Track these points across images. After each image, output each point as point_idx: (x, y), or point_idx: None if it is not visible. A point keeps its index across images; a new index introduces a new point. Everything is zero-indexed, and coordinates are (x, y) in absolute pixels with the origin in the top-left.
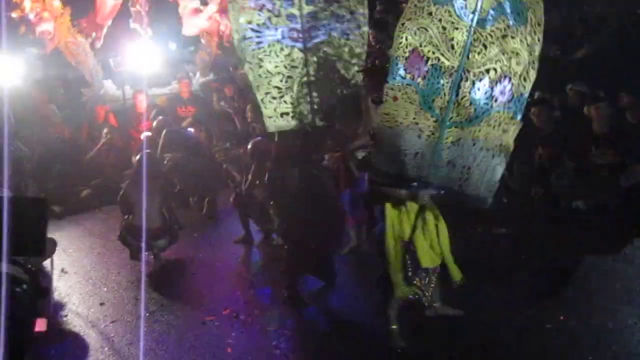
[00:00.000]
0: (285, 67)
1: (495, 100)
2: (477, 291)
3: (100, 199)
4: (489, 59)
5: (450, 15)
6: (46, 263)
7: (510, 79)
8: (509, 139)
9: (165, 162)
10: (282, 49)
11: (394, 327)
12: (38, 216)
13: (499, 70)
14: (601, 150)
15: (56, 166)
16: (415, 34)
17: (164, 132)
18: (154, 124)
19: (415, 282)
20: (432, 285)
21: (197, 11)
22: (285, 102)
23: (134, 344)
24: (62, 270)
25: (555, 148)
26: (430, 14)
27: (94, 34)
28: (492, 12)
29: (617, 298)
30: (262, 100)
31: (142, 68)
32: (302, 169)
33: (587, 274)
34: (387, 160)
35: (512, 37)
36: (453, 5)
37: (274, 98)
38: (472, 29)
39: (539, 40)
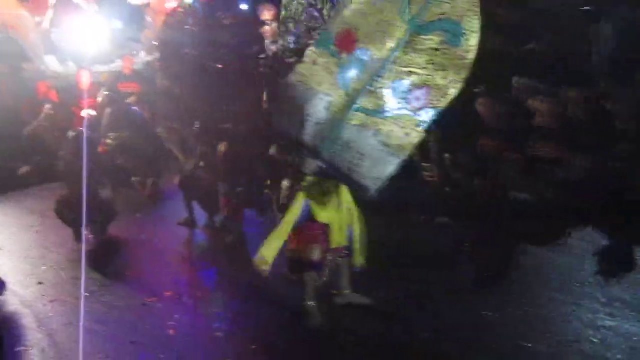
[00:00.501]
0: None
1: (408, 104)
2: (418, 279)
3: (40, 177)
4: (415, 64)
5: (392, 11)
6: None
7: (430, 89)
8: (409, 144)
9: (109, 140)
10: None
11: (310, 303)
12: None
13: (422, 77)
14: (543, 143)
15: None
16: (353, 15)
17: (108, 110)
18: (99, 99)
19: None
20: (340, 268)
21: None
22: None
23: (73, 324)
24: None
25: (498, 140)
26: (374, 3)
27: (39, 8)
28: (431, 23)
29: (555, 287)
30: None
31: (86, 44)
32: None
33: (526, 264)
34: (288, 119)
35: (444, 53)
36: (400, 4)
37: None
38: (409, 31)
39: (467, 65)
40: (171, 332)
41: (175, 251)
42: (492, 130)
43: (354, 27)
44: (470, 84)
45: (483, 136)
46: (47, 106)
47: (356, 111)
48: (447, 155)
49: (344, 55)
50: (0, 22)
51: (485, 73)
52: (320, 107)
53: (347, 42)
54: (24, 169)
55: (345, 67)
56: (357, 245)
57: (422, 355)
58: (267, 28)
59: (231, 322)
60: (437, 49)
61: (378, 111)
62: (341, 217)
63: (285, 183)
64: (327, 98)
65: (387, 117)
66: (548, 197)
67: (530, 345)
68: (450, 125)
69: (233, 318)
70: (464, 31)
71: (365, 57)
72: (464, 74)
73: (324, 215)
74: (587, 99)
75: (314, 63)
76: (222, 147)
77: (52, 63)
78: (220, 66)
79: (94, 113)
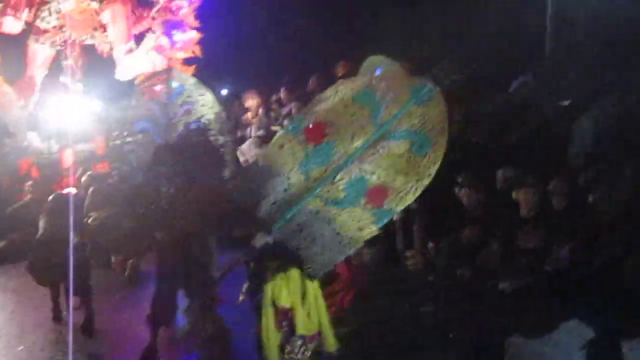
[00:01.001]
0: None
1: (366, 201)
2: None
3: (16, 254)
4: (377, 165)
5: (363, 114)
6: None
7: (387, 191)
8: (361, 238)
9: (91, 220)
10: None
11: None
12: None
13: (382, 178)
14: (527, 234)
15: None
16: (326, 111)
17: (91, 189)
18: (82, 179)
19: (286, 348)
20: (308, 353)
21: (130, 50)
22: None
23: None
24: None
25: (482, 230)
26: (346, 105)
27: (23, 83)
28: (400, 131)
29: None
30: None
31: (69, 123)
32: None
33: (512, 356)
34: (247, 194)
35: (407, 160)
36: (370, 109)
37: None
38: (377, 133)
39: (429, 175)
40: None
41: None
42: (475, 219)
43: (325, 121)
44: (454, 173)
45: (466, 225)
46: (28, 183)
47: (314, 197)
48: (430, 244)
49: (311, 145)
50: None
51: (468, 163)
52: (279, 188)
53: (316, 134)
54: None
55: (310, 155)
56: (327, 331)
57: None
58: (247, 114)
59: None
60: (401, 155)
61: (335, 201)
62: (307, 303)
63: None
64: (288, 180)
65: (342, 208)
66: (532, 287)
67: None
68: (434, 213)
69: None
70: (430, 143)
71: (331, 150)
72: (425, 182)
73: (285, 299)
74: (570, 190)
75: (281, 147)
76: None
77: (34, 140)
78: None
79: (74, 191)
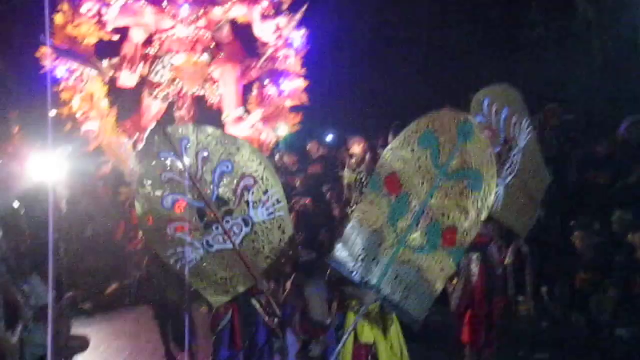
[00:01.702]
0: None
1: (441, 242)
2: None
3: (130, 298)
4: (445, 206)
5: (427, 159)
6: None
7: (457, 230)
8: (444, 278)
9: None
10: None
11: None
12: None
13: (450, 218)
14: None
15: (92, 263)
16: (398, 161)
17: None
18: None
19: None
20: None
21: (240, 119)
22: None
23: None
24: None
25: (597, 274)
26: (413, 150)
27: (137, 135)
28: (457, 171)
29: None
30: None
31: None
32: None
33: None
34: (347, 256)
35: (467, 197)
36: (432, 152)
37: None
38: (439, 176)
39: (487, 207)
40: None
41: None
42: (590, 264)
43: (398, 170)
44: (568, 217)
45: (581, 270)
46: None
47: (404, 248)
48: (544, 289)
49: (393, 196)
50: (104, 147)
51: (584, 206)
52: (375, 244)
53: (394, 184)
54: (112, 288)
55: (394, 207)
56: None
57: None
58: (352, 161)
59: None
60: (462, 194)
61: (420, 248)
62: (389, 337)
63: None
64: (381, 235)
65: (426, 253)
66: None
67: None
68: (547, 257)
69: None
70: (484, 178)
71: (408, 198)
72: (483, 215)
73: (367, 335)
74: None
75: (372, 203)
76: None
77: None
78: None
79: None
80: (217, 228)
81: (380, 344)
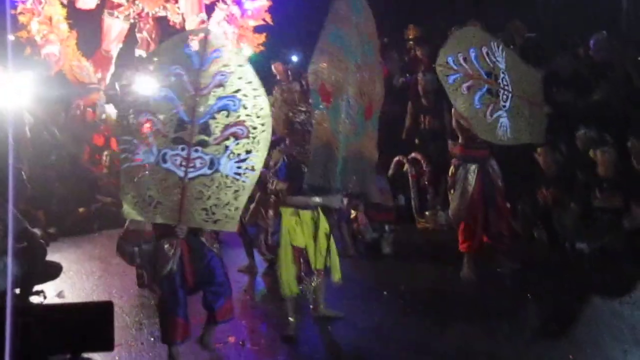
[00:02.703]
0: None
1: (364, 119)
2: (483, 328)
3: (100, 222)
4: (362, 85)
5: (340, 54)
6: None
7: (372, 100)
8: (374, 146)
9: None
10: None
11: (291, 319)
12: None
13: (366, 94)
14: (605, 194)
15: (57, 188)
16: (321, 70)
17: None
18: None
19: (305, 282)
20: (317, 286)
21: (202, 23)
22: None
23: None
24: (60, 294)
25: (559, 190)
26: (329, 51)
27: (99, 74)
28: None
29: (625, 340)
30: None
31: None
32: None
33: (593, 316)
34: (318, 177)
35: (371, 67)
36: (344, 47)
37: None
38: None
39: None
40: None
41: (237, 298)
42: (552, 181)
43: (324, 79)
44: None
45: (543, 186)
46: (105, 153)
47: (347, 141)
48: (507, 205)
49: (329, 104)
50: (66, 71)
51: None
52: (332, 153)
53: (325, 93)
54: (81, 211)
55: (332, 113)
56: (334, 265)
57: None
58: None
59: None
60: (369, 66)
61: (356, 134)
62: (319, 242)
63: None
64: (334, 144)
65: (359, 137)
66: (610, 247)
67: None
68: (511, 175)
69: None
70: (373, 49)
71: (339, 99)
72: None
73: (299, 240)
74: None
75: (319, 123)
76: None
77: (112, 112)
78: None
79: None
80: (182, 149)
81: (310, 248)
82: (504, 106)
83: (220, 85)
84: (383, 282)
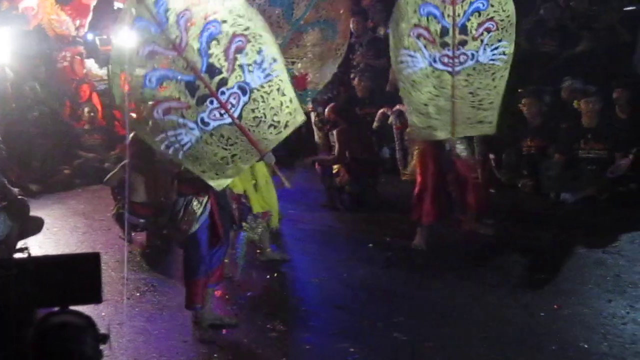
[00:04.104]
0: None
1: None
2: (469, 278)
3: (83, 179)
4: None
5: (278, 16)
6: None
7: (307, 76)
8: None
9: None
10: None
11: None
12: (92, 270)
13: (302, 66)
14: (589, 143)
15: (40, 145)
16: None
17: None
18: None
19: (244, 224)
20: (260, 229)
21: None
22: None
23: (125, 324)
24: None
25: (544, 141)
26: (264, 11)
27: (78, 22)
28: (311, 23)
29: (609, 289)
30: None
31: (126, 48)
32: None
33: (577, 265)
34: None
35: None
36: (284, 9)
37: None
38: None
39: (341, 55)
40: (223, 331)
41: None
42: (537, 131)
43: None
44: (517, 84)
45: (528, 137)
46: (87, 109)
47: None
48: (492, 156)
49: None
50: (45, 25)
51: (530, 74)
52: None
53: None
54: (66, 171)
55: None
56: (274, 211)
57: None
58: None
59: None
60: (315, 44)
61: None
62: (259, 187)
63: None
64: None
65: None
66: (595, 197)
67: (586, 345)
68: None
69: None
70: (337, 29)
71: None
72: (339, 61)
73: (238, 186)
74: (633, 99)
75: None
76: None
77: (92, 66)
78: None
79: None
80: (211, 102)
81: (251, 194)
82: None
83: (191, 24)
84: (368, 235)
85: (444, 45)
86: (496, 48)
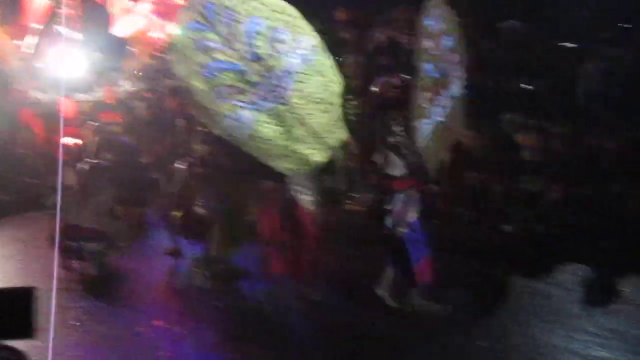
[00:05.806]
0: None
1: None
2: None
3: (20, 206)
4: None
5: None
6: None
7: None
8: None
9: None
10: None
11: None
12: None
13: None
14: (529, 176)
15: None
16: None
17: (97, 139)
18: (91, 130)
19: None
20: None
21: (129, 11)
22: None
23: (63, 355)
24: None
25: (485, 173)
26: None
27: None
28: None
29: (549, 319)
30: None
31: (67, 73)
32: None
33: (517, 295)
34: None
35: None
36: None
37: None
38: None
39: None
40: None
41: (163, 281)
42: (479, 163)
43: None
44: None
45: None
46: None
47: None
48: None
49: None
50: None
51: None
52: None
53: None
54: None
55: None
56: None
57: None
58: None
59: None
60: None
61: None
62: None
63: None
64: None
65: None
66: (535, 229)
67: None
68: None
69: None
70: None
71: None
72: None
73: None
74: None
75: None
76: None
77: (34, 90)
78: None
79: (79, 142)
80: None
81: None
82: None
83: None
84: None
85: (252, 84)
86: (302, 48)
